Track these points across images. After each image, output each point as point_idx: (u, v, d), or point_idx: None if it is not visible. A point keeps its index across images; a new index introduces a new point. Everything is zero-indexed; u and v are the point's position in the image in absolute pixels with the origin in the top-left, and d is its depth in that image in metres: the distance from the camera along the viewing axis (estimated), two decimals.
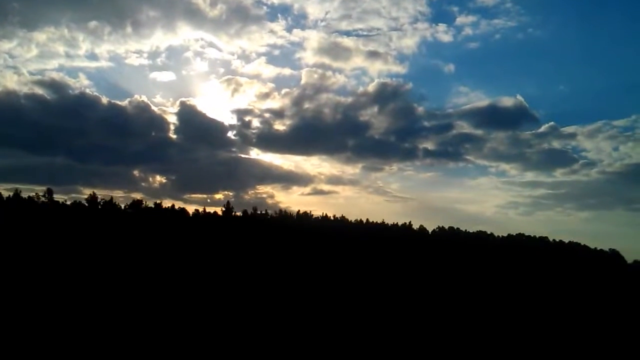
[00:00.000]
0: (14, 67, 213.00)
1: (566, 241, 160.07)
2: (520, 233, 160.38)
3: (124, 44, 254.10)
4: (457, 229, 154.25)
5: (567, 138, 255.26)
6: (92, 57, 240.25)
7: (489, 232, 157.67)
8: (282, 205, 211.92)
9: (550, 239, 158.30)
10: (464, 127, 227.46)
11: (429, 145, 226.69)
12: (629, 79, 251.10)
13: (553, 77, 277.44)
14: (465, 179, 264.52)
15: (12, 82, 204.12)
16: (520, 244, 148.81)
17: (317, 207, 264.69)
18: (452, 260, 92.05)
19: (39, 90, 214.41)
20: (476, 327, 23.62)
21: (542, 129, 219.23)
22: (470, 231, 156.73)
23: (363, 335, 19.59)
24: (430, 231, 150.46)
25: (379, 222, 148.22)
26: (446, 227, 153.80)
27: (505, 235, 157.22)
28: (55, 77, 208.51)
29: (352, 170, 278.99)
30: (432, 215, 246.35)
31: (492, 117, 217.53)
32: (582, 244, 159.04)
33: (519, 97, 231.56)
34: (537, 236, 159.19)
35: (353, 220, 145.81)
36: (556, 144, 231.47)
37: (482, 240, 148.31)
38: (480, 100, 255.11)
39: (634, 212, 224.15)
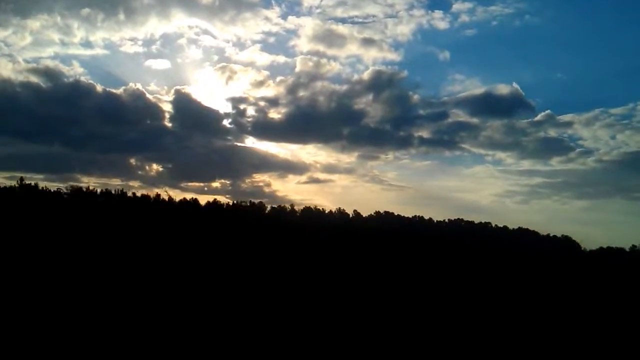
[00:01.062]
0: (9, 55, 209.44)
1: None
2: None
3: (118, 31, 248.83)
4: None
5: (564, 126, 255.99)
6: (87, 44, 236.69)
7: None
8: (279, 194, 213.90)
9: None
10: (460, 116, 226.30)
11: (425, 134, 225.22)
12: (626, 67, 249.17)
13: (550, 64, 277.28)
14: (461, 167, 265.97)
15: (7, 71, 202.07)
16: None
17: (314, 196, 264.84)
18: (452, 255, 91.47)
19: (34, 79, 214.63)
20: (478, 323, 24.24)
21: (539, 117, 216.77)
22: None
23: (384, 331, 19.94)
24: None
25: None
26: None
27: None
28: (50, 65, 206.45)
29: (348, 158, 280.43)
30: (429, 203, 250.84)
31: (487, 105, 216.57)
32: (532, 229, 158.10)
33: (515, 85, 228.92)
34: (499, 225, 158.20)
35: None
36: (552, 133, 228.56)
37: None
38: (476, 88, 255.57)
39: (632, 201, 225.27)
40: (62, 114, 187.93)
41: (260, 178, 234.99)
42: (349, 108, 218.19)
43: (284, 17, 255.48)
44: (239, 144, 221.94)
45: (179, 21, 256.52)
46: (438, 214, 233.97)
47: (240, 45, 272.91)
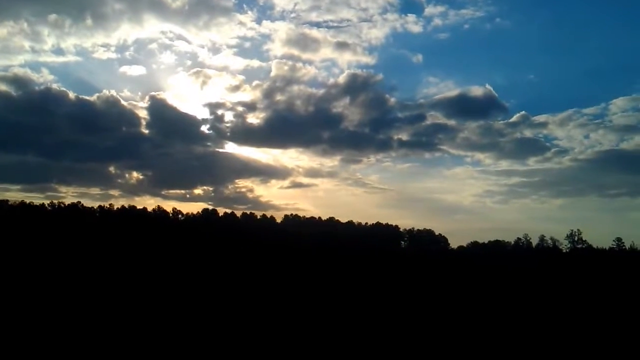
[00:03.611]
0: None
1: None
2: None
3: (90, 37, 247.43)
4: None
5: (539, 127, 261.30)
6: (59, 51, 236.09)
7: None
8: (263, 200, 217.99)
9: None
10: (437, 118, 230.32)
11: (403, 136, 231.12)
12: (597, 67, 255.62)
13: (522, 66, 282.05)
14: (441, 169, 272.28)
15: None
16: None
17: (297, 200, 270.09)
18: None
19: (3, 87, 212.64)
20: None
21: (514, 118, 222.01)
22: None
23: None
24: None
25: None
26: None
27: None
28: (18, 72, 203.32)
29: (330, 162, 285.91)
30: (411, 206, 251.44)
31: (462, 107, 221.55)
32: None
33: (488, 87, 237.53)
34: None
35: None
36: (528, 133, 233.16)
37: None
38: (450, 90, 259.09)
39: (606, 198, 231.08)
40: (35, 123, 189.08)
41: (242, 184, 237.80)
42: (327, 112, 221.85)
43: (258, 21, 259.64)
44: (219, 150, 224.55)
45: (152, 27, 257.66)
46: (421, 216, 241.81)
47: (215, 50, 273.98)
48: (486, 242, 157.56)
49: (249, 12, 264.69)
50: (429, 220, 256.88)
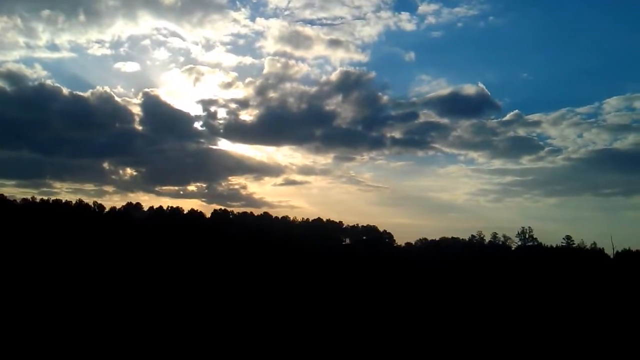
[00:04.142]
0: None
1: None
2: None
3: (84, 33, 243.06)
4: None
5: (532, 126, 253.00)
6: (53, 47, 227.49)
7: None
8: (256, 197, 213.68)
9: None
10: (430, 116, 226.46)
11: (397, 134, 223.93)
12: (591, 66, 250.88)
13: (515, 65, 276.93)
14: (435, 167, 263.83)
15: None
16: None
17: (291, 198, 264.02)
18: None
19: None
20: None
21: (507, 117, 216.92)
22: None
23: None
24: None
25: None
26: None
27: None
28: (12, 68, 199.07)
29: (323, 160, 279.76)
30: (406, 204, 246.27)
31: (455, 105, 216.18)
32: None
33: (481, 85, 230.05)
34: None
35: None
36: (521, 132, 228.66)
37: None
38: (442, 88, 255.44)
39: (600, 197, 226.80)
40: (29, 118, 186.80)
41: (236, 181, 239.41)
42: (320, 109, 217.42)
43: (251, 18, 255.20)
44: (212, 147, 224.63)
45: (147, 23, 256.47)
46: (415, 214, 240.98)
47: (209, 47, 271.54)
48: (437, 239, 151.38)
49: (243, 10, 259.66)
50: (423, 219, 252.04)
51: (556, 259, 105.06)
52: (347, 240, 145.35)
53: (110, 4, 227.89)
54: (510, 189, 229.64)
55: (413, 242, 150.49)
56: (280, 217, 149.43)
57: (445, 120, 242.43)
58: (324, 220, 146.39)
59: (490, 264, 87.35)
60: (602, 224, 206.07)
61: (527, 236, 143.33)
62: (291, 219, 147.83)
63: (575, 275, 62.92)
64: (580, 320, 26.00)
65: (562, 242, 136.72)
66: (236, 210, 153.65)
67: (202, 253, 68.92)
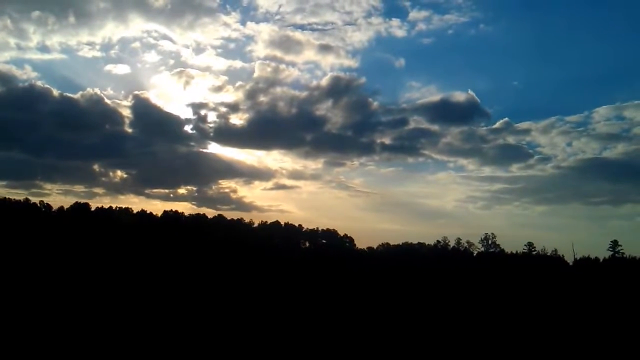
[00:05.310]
0: None
1: None
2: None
3: (75, 35, 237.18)
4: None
5: (522, 134, 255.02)
6: (44, 49, 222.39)
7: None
8: (246, 200, 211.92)
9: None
10: (420, 122, 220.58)
11: (386, 140, 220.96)
12: (580, 75, 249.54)
13: (506, 73, 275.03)
14: (425, 173, 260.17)
15: None
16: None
17: (281, 202, 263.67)
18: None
19: None
20: None
21: (497, 124, 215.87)
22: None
23: None
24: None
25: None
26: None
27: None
28: (2, 69, 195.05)
29: (314, 165, 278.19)
30: (395, 210, 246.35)
31: (445, 112, 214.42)
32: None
33: (471, 93, 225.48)
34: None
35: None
36: (511, 140, 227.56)
37: None
38: (432, 95, 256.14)
39: (589, 206, 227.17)
40: (19, 119, 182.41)
41: (226, 184, 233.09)
42: (310, 114, 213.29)
43: (242, 22, 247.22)
44: (202, 150, 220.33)
45: (137, 26, 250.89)
46: (404, 220, 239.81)
47: (199, 50, 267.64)
48: (400, 243, 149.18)
49: (233, 13, 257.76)
50: (412, 225, 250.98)
51: (516, 264, 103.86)
52: (307, 244, 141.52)
53: (100, 6, 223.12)
54: (500, 197, 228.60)
55: (375, 247, 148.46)
56: (236, 219, 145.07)
57: (435, 127, 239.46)
58: (282, 223, 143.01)
59: (450, 268, 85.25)
60: (591, 233, 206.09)
61: (489, 242, 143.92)
62: (247, 220, 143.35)
63: (534, 281, 61.86)
64: (536, 324, 25.38)
65: (523, 249, 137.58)
66: (187, 212, 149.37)
67: (154, 258, 64.51)
